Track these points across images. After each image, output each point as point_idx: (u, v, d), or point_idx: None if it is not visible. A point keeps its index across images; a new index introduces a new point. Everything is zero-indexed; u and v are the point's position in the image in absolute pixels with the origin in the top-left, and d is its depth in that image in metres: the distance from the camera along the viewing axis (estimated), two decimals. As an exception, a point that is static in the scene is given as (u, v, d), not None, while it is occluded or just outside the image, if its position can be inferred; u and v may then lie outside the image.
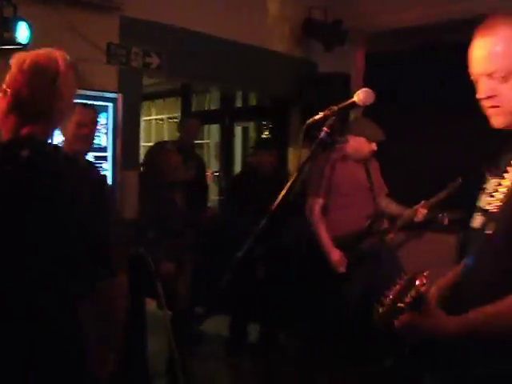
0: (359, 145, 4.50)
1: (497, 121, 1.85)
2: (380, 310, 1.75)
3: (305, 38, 5.93)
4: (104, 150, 4.43)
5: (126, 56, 4.66)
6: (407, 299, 1.70)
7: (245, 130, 8.74)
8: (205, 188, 6.43)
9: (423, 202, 4.51)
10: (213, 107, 9.06)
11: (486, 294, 1.74)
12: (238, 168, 8.01)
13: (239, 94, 8.21)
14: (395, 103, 5.23)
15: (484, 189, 1.94)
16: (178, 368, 3.97)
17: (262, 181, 5.29)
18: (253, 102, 8.28)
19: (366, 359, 4.50)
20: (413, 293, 1.70)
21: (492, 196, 1.87)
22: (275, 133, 7.12)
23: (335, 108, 2.08)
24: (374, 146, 4.47)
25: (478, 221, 1.91)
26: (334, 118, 2.08)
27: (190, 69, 5.22)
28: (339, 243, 4.40)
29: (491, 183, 1.91)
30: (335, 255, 4.37)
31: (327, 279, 4.42)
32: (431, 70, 5.41)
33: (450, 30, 5.14)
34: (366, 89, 2.09)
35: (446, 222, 4.57)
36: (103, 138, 4.42)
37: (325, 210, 4.50)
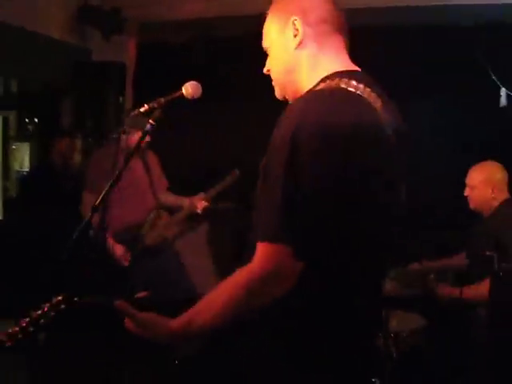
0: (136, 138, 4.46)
1: (276, 93, 1.91)
2: None
3: (81, 25, 5.74)
4: None
5: None
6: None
7: (5, 120, 8.20)
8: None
9: (202, 193, 4.59)
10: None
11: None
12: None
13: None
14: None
15: None
16: None
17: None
18: (15, 88, 7.79)
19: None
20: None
21: None
22: (43, 122, 6.81)
23: (162, 100, 2.10)
24: (142, 143, 4.39)
25: None
26: (160, 110, 2.09)
27: None
28: (120, 238, 4.35)
29: None
30: (118, 250, 4.33)
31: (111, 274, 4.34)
32: (204, 61, 5.50)
33: (222, 25, 5.36)
34: (194, 82, 2.14)
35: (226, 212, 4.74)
36: None
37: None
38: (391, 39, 5.34)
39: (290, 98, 1.86)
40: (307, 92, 1.74)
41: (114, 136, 4.79)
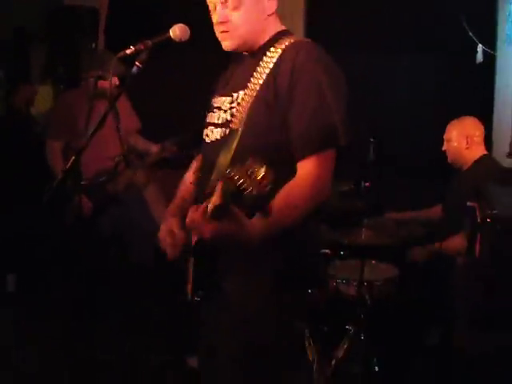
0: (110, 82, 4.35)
1: (225, 45, 2.11)
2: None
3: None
4: None
5: None
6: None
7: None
8: None
9: (170, 138, 4.50)
10: None
11: None
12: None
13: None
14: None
15: (215, 107, 2.18)
16: None
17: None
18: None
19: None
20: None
21: (230, 108, 2.10)
22: (13, 69, 6.62)
23: (149, 42, 2.07)
24: (115, 81, 4.26)
25: (213, 134, 2.15)
26: (146, 52, 2.06)
27: None
28: (85, 186, 4.21)
29: (222, 101, 2.16)
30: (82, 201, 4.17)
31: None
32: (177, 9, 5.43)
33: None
34: (181, 24, 2.11)
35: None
36: None
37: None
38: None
39: (241, 50, 2.14)
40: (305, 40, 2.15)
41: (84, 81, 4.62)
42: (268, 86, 2.02)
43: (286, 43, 2.08)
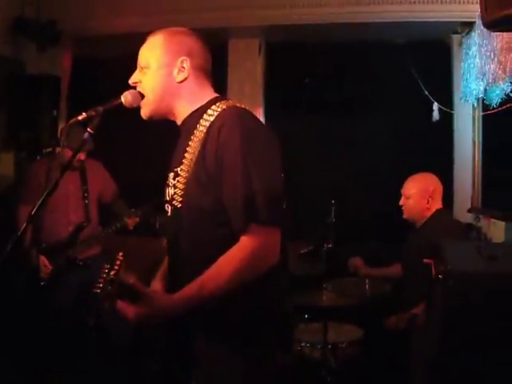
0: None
1: (142, 112, 2.22)
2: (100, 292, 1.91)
3: (15, 36, 5.60)
4: None
5: None
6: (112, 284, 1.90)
7: None
8: None
9: (132, 210, 4.56)
10: None
11: (193, 263, 2.04)
12: None
13: None
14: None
15: (167, 184, 2.23)
16: None
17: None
18: None
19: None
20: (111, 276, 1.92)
21: (173, 185, 2.16)
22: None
23: (101, 109, 2.10)
24: (81, 156, 4.33)
25: (168, 211, 2.21)
26: (98, 118, 2.07)
27: None
28: (46, 249, 4.28)
29: (170, 176, 2.20)
30: (40, 261, 4.23)
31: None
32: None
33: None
34: (133, 91, 2.15)
35: (157, 225, 4.68)
36: None
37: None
38: (328, 55, 5.43)
39: (157, 117, 2.22)
40: (231, 108, 2.11)
41: (49, 150, 4.72)
42: (199, 165, 2.05)
43: (215, 115, 2.10)
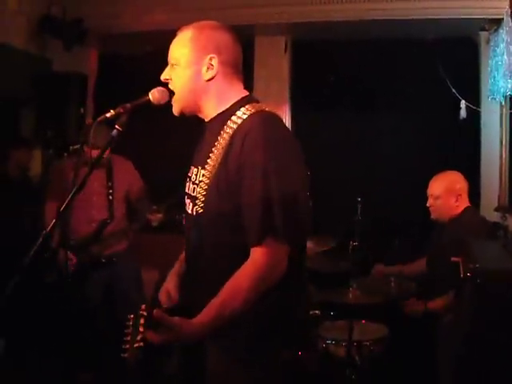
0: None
1: (173, 109, 2.21)
2: (125, 347, 1.97)
3: (42, 35, 5.67)
4: None
5: None
6: (141, 328, 1.99)
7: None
8: None
9: (154, 207, 4.49)
10: None
11: (210, 271, 2.08)
12: None
13: None
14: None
15: (189, 177, 2.22)
16: None
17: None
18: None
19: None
20: (141, 320, 2.01)
21: (195, 183, 2.15)
22: (2, 133, 6.66)
23: (128, 106, 2.10)
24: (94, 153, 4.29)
25: (188, 205, 2.18)
26: (126, 115, 2.08)
27: None
28: (73, 246, 4.32)
29: (193, 171, 2.20)
30: (67, 256, 4.26)
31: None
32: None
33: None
34: (161, 88, 2.16)
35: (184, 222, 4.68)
36: None
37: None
38: (354, 53, 5.42)
39: (188, 114, 2.21)
40: (256, 116, 2.07)
41: (76, 147, 4.75)
42: (220, 173, 2.04)
43: (239, 121, 2.07)
